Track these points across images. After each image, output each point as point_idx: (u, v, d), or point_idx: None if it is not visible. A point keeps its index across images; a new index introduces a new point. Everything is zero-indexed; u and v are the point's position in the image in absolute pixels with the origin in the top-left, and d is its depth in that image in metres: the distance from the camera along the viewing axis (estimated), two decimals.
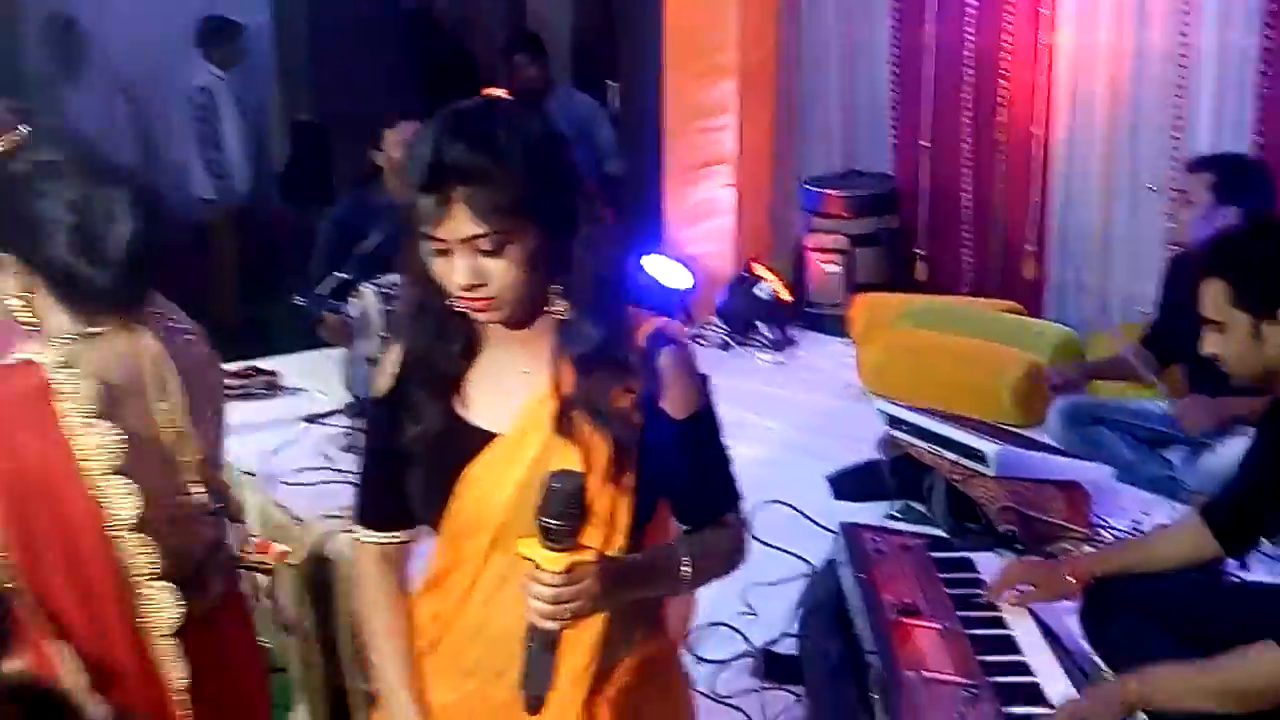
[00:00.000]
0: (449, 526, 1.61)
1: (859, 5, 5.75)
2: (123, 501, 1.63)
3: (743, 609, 2.76)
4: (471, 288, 1.46)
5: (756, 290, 5.36)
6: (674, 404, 1.58)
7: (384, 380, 1.63)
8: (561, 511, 1.40)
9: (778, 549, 3.11)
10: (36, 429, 1.58)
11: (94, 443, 1.61)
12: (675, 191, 6.02)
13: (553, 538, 1.41)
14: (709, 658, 2.59)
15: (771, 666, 2.53)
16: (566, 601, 1.43)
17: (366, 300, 3.70)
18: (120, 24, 6.86)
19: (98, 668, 1.63)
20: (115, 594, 1.67)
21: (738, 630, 2.69)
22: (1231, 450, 3.31)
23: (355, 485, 1.73)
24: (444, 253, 1.46)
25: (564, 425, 1.53)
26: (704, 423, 1.64)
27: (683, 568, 1.59)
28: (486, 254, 1.45)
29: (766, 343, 5.22)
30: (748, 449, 3.88)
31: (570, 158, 1.53)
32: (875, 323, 4.93)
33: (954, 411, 3.76)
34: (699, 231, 5.98)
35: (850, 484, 3.60)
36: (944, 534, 3.24)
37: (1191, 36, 4.34)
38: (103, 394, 1.62)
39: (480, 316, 1.52)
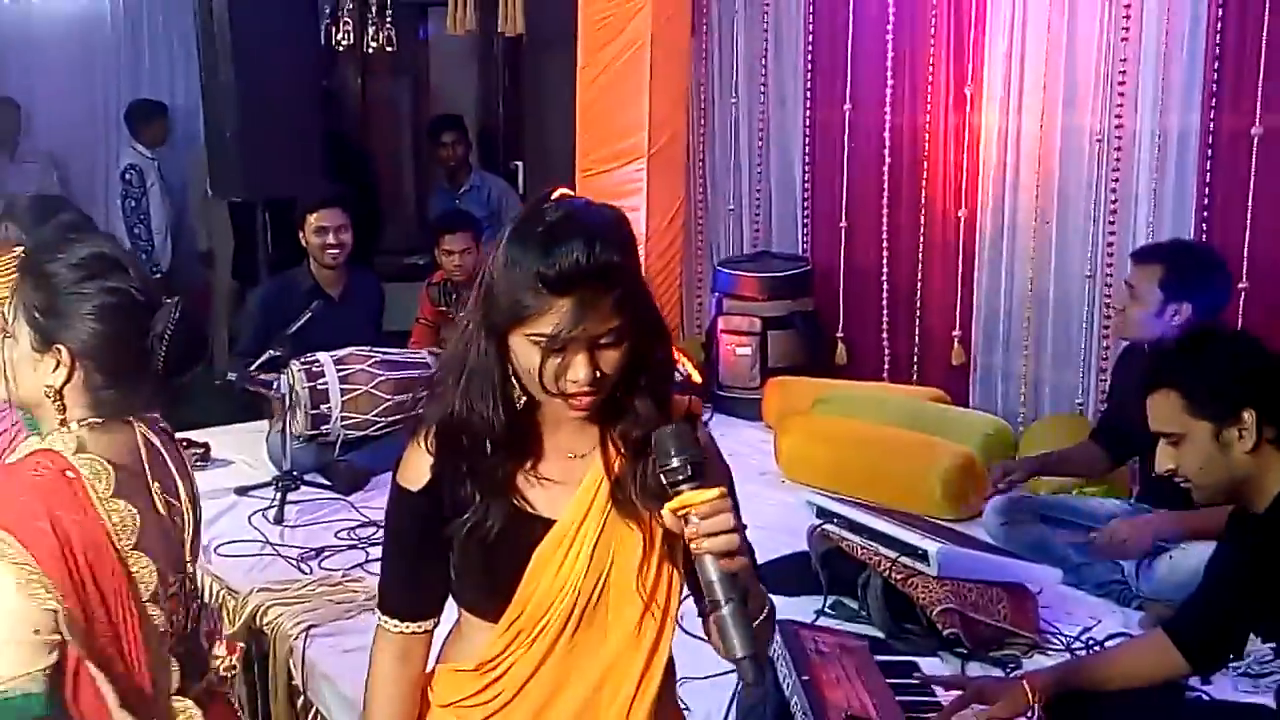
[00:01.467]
0: (509, 615, 1.63)
1: (772, 86, 5.68)
2: (144, 575, 1.75)
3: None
4: (591, 384, 1.51)
5: None
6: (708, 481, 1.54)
7: (416, 471, 1.64)
8: (687, 448, 1.48)
9: (704, 640, 2.85)
10: (72, 507, 1.70)
11: (115, 520, 1.72)
12: None
13: (694, 474, 1.48)
14: None
15: None
16: (737, 529, 1.48)
17: (295, 377, 4.04)
18: (52, 102, 7.30)
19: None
20: (148, 660, 1.78)
21: None
22: (1188, 557, 3.12)
23: (381, 574, 1.77)
24: (557, 350, 1.49)
25: (624, 506, 1.59)
26: (733, 499, 1.54)
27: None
28: (604, 348, 1.51)
29: None
30: None
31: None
32: (791, 408, 4.76)
33: (880, 503, 3.60)
34: None
35: (777, 576, 3.36)
36: (880, 634, 3.03)
37: (1126, 119, 4.25)
38: (114, 476, 1.75)
39: (578, 410, 1.55)
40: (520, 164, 7.86)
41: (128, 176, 7.08)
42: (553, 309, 1.46)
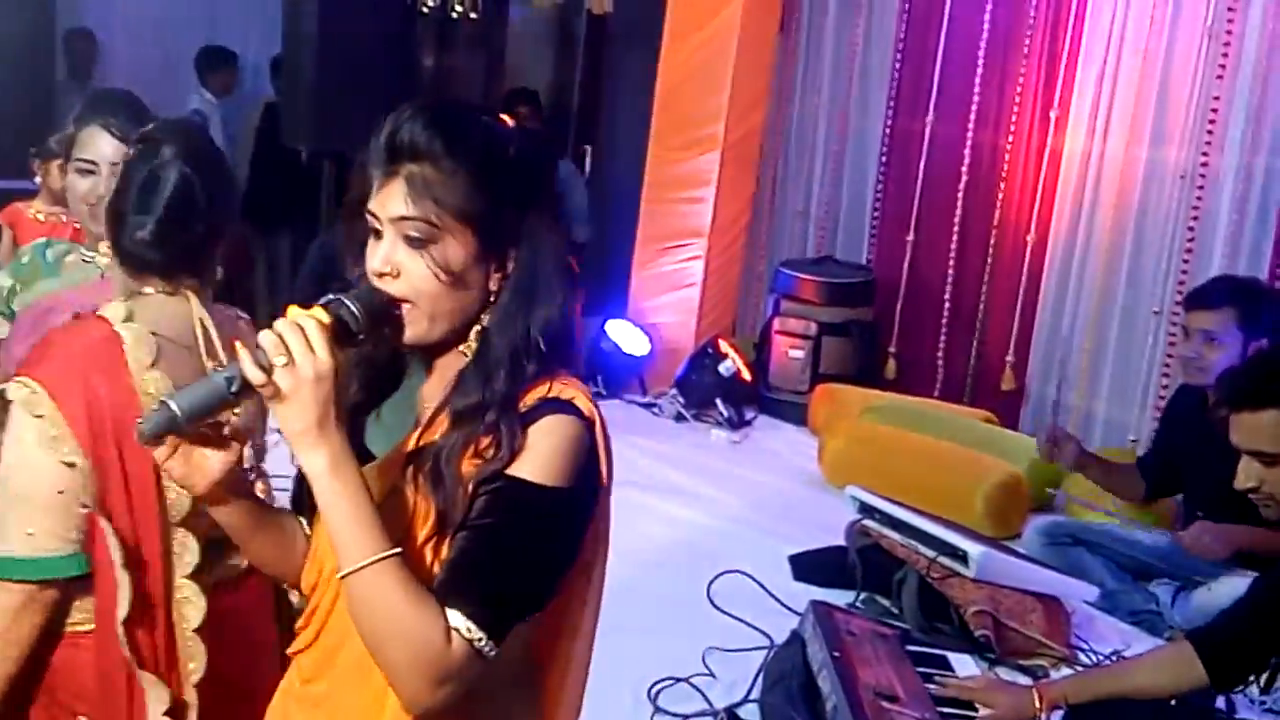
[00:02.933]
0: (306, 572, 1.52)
1: (856, 91, 5.76)
2: None
3: (702, 671, 2.77)
4: (381, 276, 1.39)
5: (720, 367, 5.30)
6: (522, 469, 1.36)
7: None
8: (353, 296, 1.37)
9: (737, 619, 3.08)
10: (108, 373, 1.76)
11: (151, 390, 1.76)
12: (644, 259, 5.98)
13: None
14: (672, 711, 2.62)
15: None
16: (287, 358, 1.30)
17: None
18: (128, 40, 7.53)
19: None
20: (160, 536, 1.81)
21: (699, 690, 2.70)
22: (1225, 589, 3.19)
23: None
24: (377, 234, 1.41)
25: (412, 476, 1.41)
26: (530, 500, 1.36)
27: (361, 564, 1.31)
28: (411, 244, 1.39)
29: (722, 420, 5.15)
30: (703, 518, 3.83)
31: (544, 190, 1.48)
32: (839, 414, 4.85)
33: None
34: (663, 301, 5.95)
35: (812, 567, 3.51)
36: (911, 630, 3.12)
37: (1212, 156, 4.31)
38: (156, 346, 1.81)
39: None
40: (589, 148, 7.99)
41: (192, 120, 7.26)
42: (379, 185, 1.39)
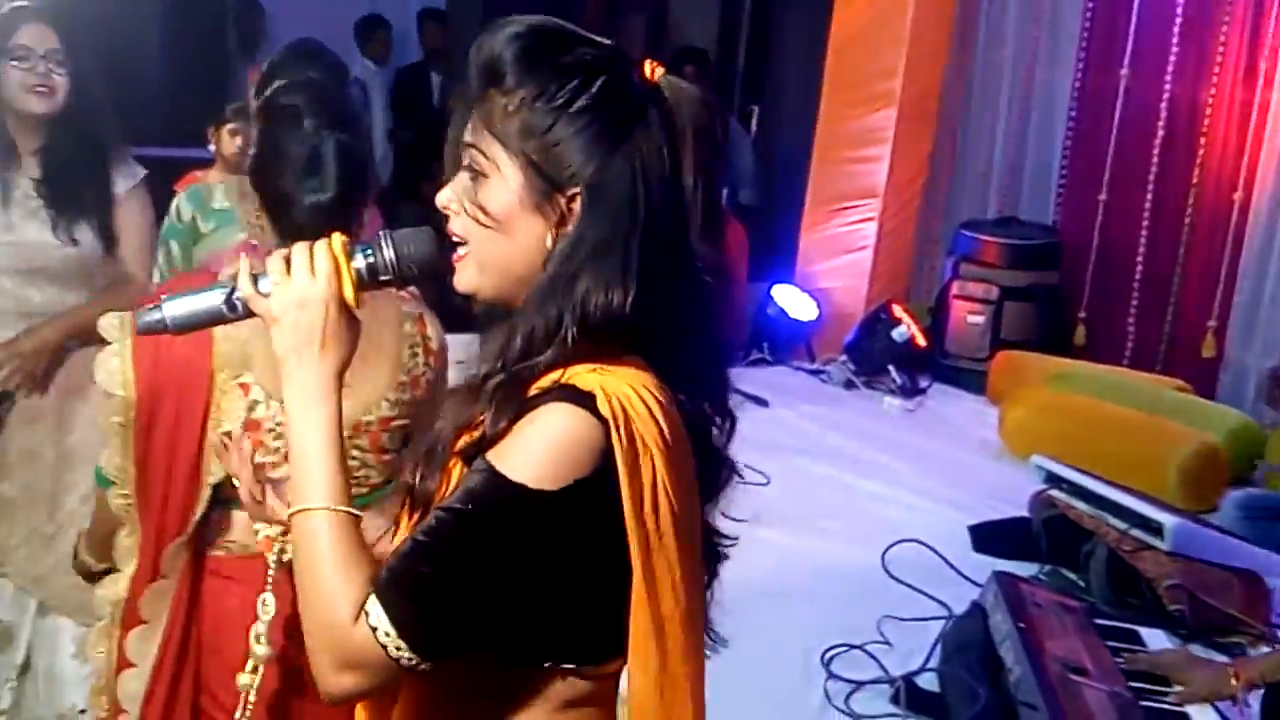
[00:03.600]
0: None
1: (1044, 44, 5.58)
2: (234, 404, 1.81)
3: (878, 639, 2.75)
4: (445, 209, 1.28)
5: (893, 333, 5.22)
6: (502, 459, 1.19)
7: None
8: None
9: (913, 588, 3.04)
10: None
11: (224, 349, 1.80)
12: (813, 221, 5.92)
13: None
14: (846, 676, 2.59)
15: (912, 697, 2.49)
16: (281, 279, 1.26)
17: None
18: (295, 10, 7.46)
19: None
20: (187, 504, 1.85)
21: (873, 657, 2.67)
22: None
23: None
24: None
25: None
26: (499, 497, 1.18)
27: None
28: (471, 178, 1.26)
29: (895, 388, 5.06)
30: (877, 487, 3.79)
31: (635, 138, 1.23)
32: (1022, 382, 4.73)
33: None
34: (833, 265, 5.87)
35: (993, 538, 3.44)
36: (1098, 603, 3.04)
37: None
38: None
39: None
40: (756, 108, 7.92)
41: (353, 90, 7.40)
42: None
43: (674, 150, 1.25)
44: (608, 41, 1.30)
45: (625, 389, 1.19)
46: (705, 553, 1.32)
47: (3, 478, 3.27)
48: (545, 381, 1.20)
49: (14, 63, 3.11)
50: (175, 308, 1.30)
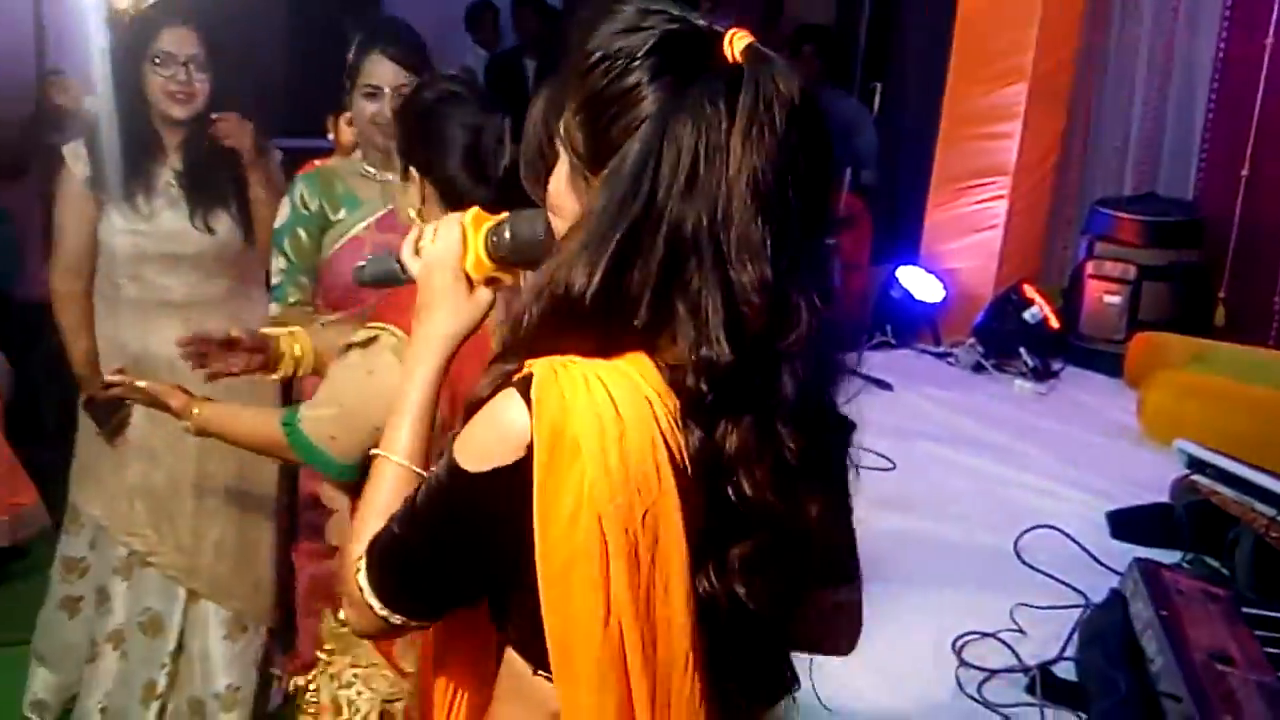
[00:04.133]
0: None
1: (1184, 9, 5.41)
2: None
3: (1011, 626, 2.71)
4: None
5: (1025, 315, 5.12)
6: (455, 441, 1.28)
7: None
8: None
9: (1049, 575, 2.99)
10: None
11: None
12: (940, 200, 5.83)
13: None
14: (978, 665, 2.56)
15: (1048, 686, 2.45)
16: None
17: None
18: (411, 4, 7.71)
19: None
20: None
21: (1007, 645, 2.63)
22: None
23: None
24: None
25: None
26: (440, 476, 1.28)
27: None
28: None
29: (1027, 371, 4.96)
30: (1008, 472, 3.74)
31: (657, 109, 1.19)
32: (1161, 364, 4.61)
33: None
34: (960, 245, 5.78)
35: (1133, 524, 3.36)
36: (1244, 592, 2.95)
37: None
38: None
39: None
40: (879, 85, 7.82)
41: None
42: None
43: (731, 135, 1.16)
44: (702, 21, 1.26)
45: (578, 384, 1.15)
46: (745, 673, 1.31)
47: (150, 470, 3.42)
48: (529, 366, 1.21)
49: (156, 67, 3.25)
50: (371, 266, 1.58)
